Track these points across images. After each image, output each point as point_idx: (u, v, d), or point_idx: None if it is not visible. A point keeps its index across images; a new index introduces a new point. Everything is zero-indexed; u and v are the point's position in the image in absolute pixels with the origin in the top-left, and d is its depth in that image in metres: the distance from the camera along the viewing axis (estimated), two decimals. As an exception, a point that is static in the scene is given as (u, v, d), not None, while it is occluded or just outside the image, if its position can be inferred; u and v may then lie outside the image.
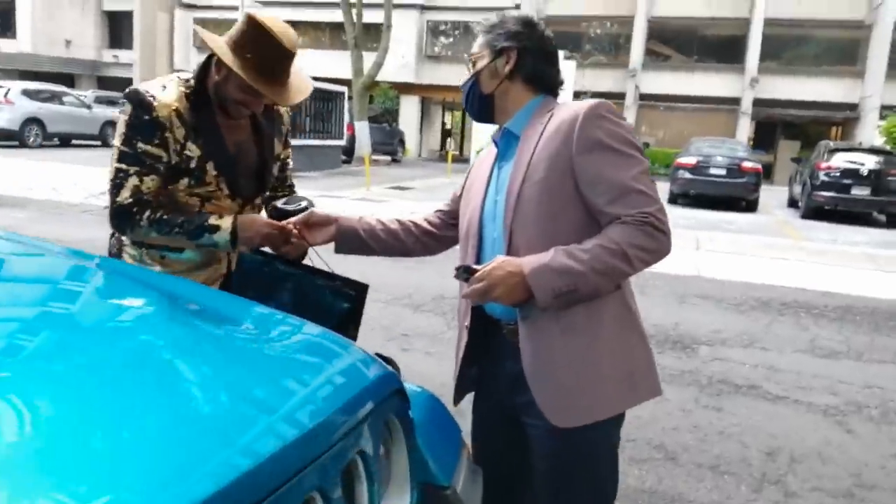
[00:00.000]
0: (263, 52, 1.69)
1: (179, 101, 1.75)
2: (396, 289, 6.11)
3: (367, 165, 13.84)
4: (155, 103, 1.71)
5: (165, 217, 1.73)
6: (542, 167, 1.49)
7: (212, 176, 1.80)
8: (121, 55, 30.86)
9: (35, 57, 31.41)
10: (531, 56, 1.60)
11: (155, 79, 1.81)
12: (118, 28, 31.67)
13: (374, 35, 22.84)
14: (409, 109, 29.52)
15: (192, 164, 1.77)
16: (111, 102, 22.30)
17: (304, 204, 1.82)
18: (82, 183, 11.35)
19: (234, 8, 29.19)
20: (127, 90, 1.76)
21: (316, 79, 19.26)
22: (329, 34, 29.61)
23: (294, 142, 15.01)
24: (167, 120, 1.72)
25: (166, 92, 1.75)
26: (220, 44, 1.71)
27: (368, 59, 20.25)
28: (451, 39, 29.57)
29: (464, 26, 28.95)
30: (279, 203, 1.84)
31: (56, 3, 32.55)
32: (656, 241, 1.43)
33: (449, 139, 32.36)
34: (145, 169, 1.72)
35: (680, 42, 27.62)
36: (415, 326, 5.06)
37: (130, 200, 1.72)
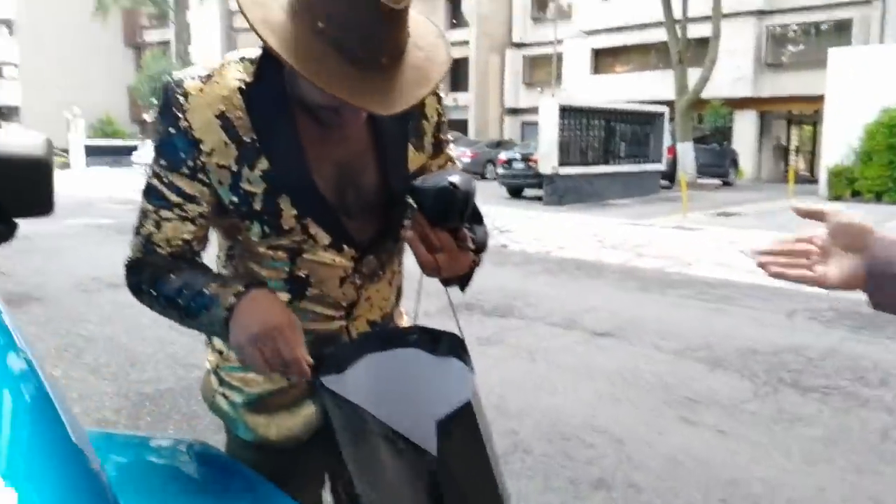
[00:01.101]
0: (346, 19, 0.91)
1: (230, 100, 1.05)
2: (690, 336, 4.99)
3: (684, 190, 12.50)
4: (187, 104, 1.03)
5: (163, 279, 1.08)
6: None
7: (291, 218, 1.09)
8: (459, 98, 33.60)
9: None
10: None
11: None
12: (457, 73, 34.59)
13: (702, 50, 21.12)
14: (744, 126, 26.69)
15: (257, 204, 1.07)
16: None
17: (453, 179, 1.05)
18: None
19: (561, 41, 30.04)
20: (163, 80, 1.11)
21: (636, 102, 18.44)
22: (655, 55, 28.41)
23: (607, 168, 14.40)
24: (205, 130, 1.04)
25: (212, 83, 1.05)
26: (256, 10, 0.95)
27: (695, 76, 18.72)
28: (796, 45, 26.08)
29: (813, 27, 25.31)
30: (417, 181, 1.11)
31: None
32: None
33: (794, 156, 28.47)
34: (167, 211, 1.09)
35: None
36: (707, 390, 3.96)
37: (133, 257, 1.15)
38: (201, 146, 1.04)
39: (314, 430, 1.22)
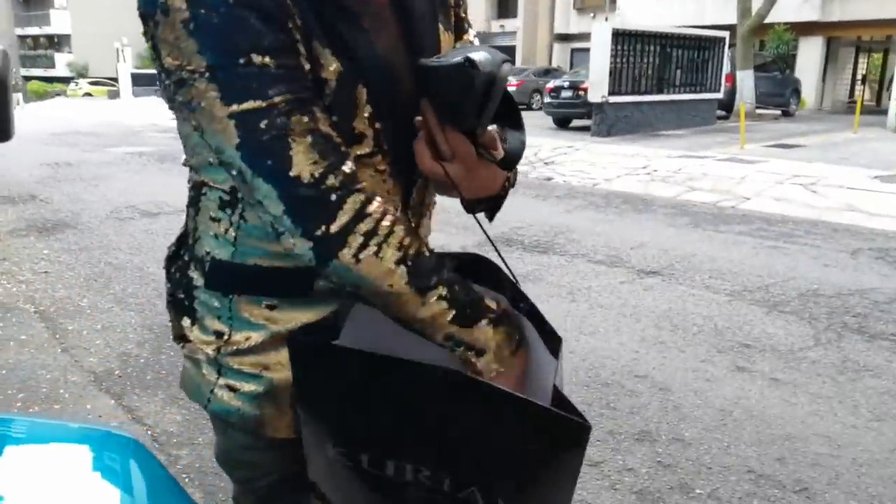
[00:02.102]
0: None
1: None
2: (745, 276, 4.65)
3: (742, 120, 11.76)
4: None
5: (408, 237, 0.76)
6: None
7: (365, 118, 0.80)
8: (507, 24, 32.33)
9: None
10: None
11: None
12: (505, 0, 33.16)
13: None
14: (809, 54, 25.06)
15: (328, 95, 0.77)
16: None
17: (473, 56, 0.74)
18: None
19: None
20: None
21: (693, 27, 17.35)
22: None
23: (660, 97, 13.70)
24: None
25: None
26: None
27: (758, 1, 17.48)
28: (872, -37, 24.09)
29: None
30: (424, 59, 0.80)
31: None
32: None
33: (861, 86, 26.78)
34: (306, 94, 0.74)
35: None
36: (763, 335, 3.65)
37: (334, 179, 0.73)
38: (283, 8, 0.72)
39: None
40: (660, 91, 14.40)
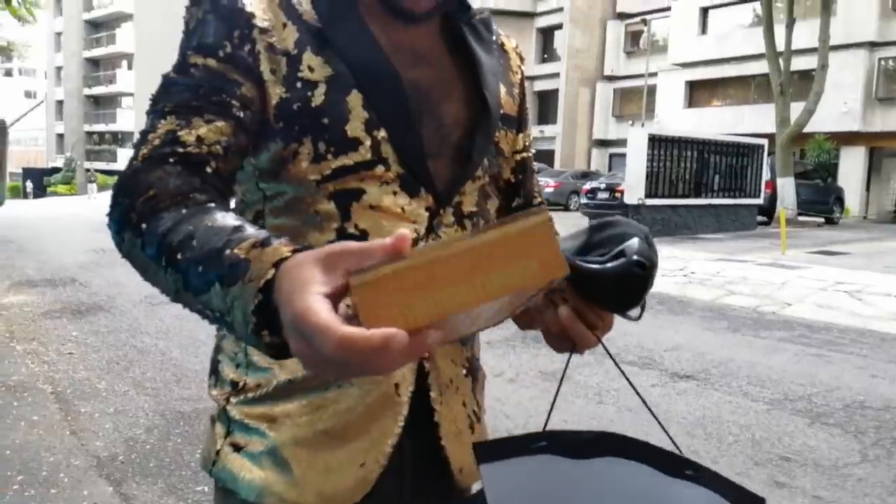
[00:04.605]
0: None
1: None
2: (786, 384, 4.40)
3: (783, 224, 11.59)
4: None
5: (165, 213, 0.65)
6: None
7: (359, 124, 0.76)
8: (546, 130, 33.20)
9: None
10: None
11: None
12: (545, 106, 34.21)
13: (806, 83, 19.96)
14: (851, 163, 24.97)
15: (317, 99, 0.75)
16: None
17: (637, 250, 0.72)
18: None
19: (654, 74, 29.26)
20: None
21: (735, 135, 17.53)
22: (754, 88, 27.15)
23: (699, 201, 13.60)
24: (260, 5, 0.75)
25: None
26: None
27: (797, 110, 17.65)
28: (911, 78, 24.32)
29: (932, 59, 23.57)
30: (570, 254, 0.76)
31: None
32: None
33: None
34: (200, 101, 0.72)
35: None
36: (805, 448, 3.40)
37: (129, 170, 0.70)
38: (254, 21, 0.75)
39: (370, 488, 0.79)
40: (698, 195, 14.39)
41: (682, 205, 13.97)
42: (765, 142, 16.14)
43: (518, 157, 0.96)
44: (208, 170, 0.70)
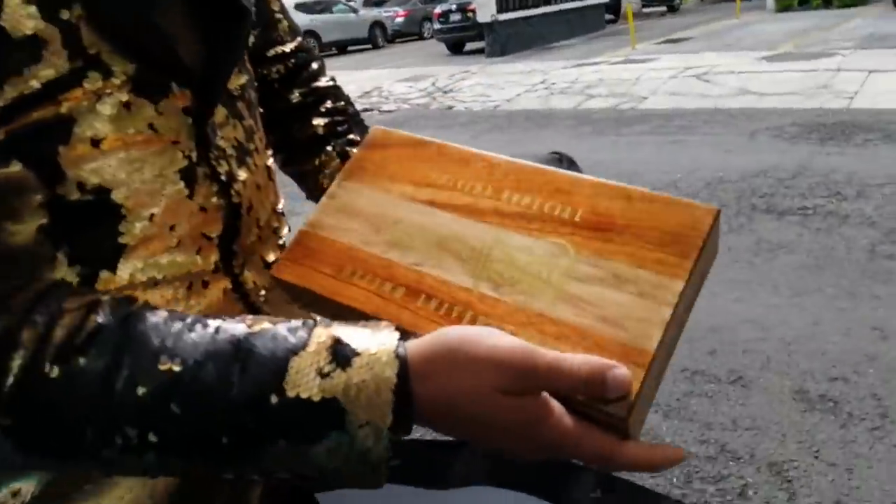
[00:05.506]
0: None
1: None
2: (652, 175, 4.63)
3: (630, 20, 11.78)
4: None
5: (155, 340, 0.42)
6: None
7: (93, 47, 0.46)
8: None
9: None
10: None
11: None
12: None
13: None
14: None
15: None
16: (378, 3, 22.62)
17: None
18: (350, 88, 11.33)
19: None
20: None
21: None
22: None
23: (549, 8, 13.51)
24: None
25: None
26: None
27: None
28: None
29: None
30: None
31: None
32: None
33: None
34: None
35: None
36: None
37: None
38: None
39: None
40: (547, 3, 14.23)
41: (534, 15, 13.80)
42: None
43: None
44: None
